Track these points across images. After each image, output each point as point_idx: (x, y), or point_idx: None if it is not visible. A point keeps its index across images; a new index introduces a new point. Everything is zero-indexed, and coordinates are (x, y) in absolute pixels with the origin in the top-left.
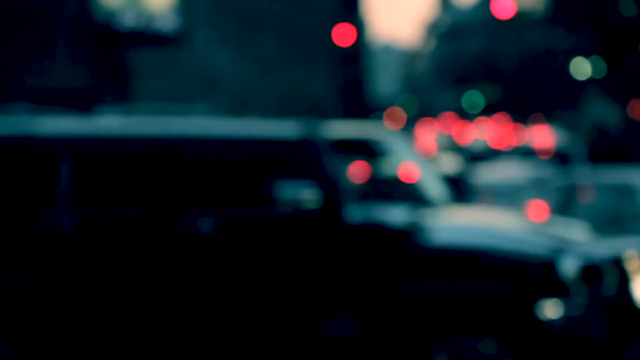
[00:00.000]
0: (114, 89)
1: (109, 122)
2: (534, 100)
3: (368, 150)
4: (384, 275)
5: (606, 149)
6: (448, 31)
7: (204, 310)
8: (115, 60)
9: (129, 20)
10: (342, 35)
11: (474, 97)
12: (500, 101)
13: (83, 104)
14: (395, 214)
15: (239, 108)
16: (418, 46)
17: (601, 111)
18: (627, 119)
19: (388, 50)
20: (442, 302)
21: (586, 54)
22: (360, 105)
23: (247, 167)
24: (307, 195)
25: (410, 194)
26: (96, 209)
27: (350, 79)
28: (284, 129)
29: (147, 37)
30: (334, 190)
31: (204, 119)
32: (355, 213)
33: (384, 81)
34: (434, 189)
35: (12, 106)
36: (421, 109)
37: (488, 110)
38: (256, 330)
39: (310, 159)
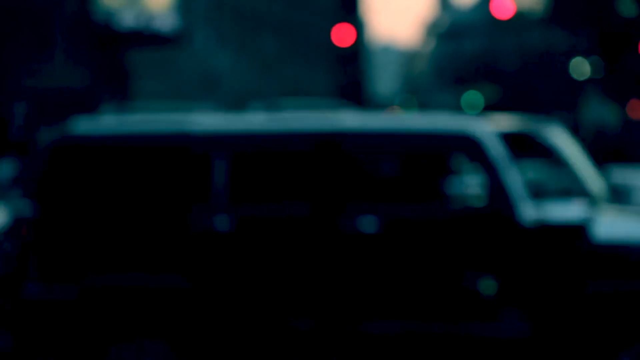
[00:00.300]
0: (114, 89)
1: (264, 118)
2: (534, 100)
3: (531, 144)
4: (563, 274)
5: (605, 149)
6: (447, 31)
7: (368, 312)
8: (115, 60)
9: (128, 20)
10: (342, 35)
11: (473, 97)
12: (500, 101)
13: (82, 104)
14: (568, 210)
15: (238, 108)
16: (417, 46)
17: (600, 111)
18: (626, 119)
19: (387, 50)
20: (631, 302)
21: (585, 54)
22: (360, 105)
23: (410, 162)
24: (475, 191)
25: (574, 189)
26: (253, 208)
27: (349, 79)
28: (449, 121)
29: (146, 37)
30: (503, 186)
31: (362, 113)
32: (525, 209)
33: (384, 81)
34: (595, 183)
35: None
36: (420, 109)
37: (487, 110)
38: (421, 333)
39: (478, 152)
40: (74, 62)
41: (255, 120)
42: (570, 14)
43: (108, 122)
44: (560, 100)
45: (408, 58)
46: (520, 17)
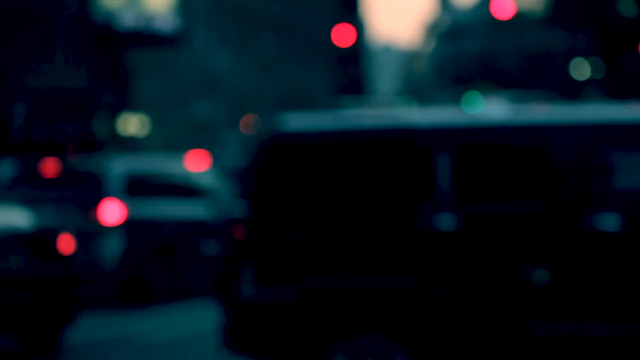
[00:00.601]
0: (114, 89)
1: (489, 112)
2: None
3: None
4: None
5: None
6: (448, 31)
7: (616, 316)
8: (115, 61)
9: (128, 20)
10: (342, 35)
11: (473, 97)
12: None
13: (83, 104)
14: None
15: (238, 108)
16: (418, 46)
17: None
18: None
19: (388, 50)
20: None
21: (585, 55)
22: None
23: None
24: None
25: None
26: (480, 206)
27: (350, 79)
28: None
29: (146, 38)
30: None
31: (612, 105)
32: None
33: (384, 81)
34: None
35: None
36: None
37: None
38: None
39: None
40: (74, 62)
41: (478, 114)
42: (570, 14)
43: (319, 118)
44: (560, 100)
45: (408, 58)
46: (520, 17)
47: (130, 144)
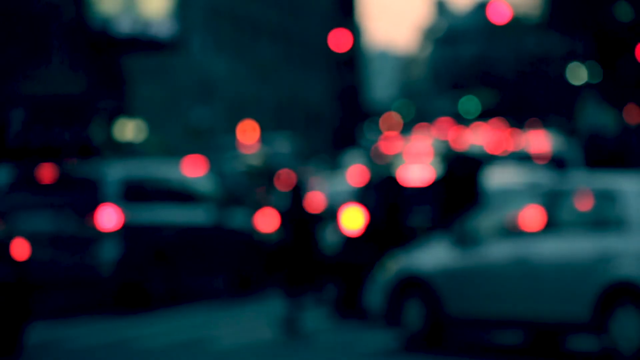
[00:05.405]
0: (111, 95)
1: None
2: (530, 105)
3: None
4: None
5: (602, 154)
6: (444, 36)
7: None
8: (112, 66)
9: (125, 26)
10: (339, 41)
11: (470, 102)
12: (497, 106)
13: (79, 110)
14: None
15: (235, 113)
16: (414, 51)
17: (597, 116)
18: (623, 124)
19: (384, 55)
20: None
21: (582, 59)
22: (357, 110)
23: None
24: None
25: None
26: None
27: (346, 84)
28: None
29: (143, 43)
30: None
31: None
32: None
33: (380, 86)
34: None
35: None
36: (417, 114)
37: (484, 115)
38: None
39: None
40: (70, 68)
41: None
42: (567, 19)
43: None
44: (557, 105)
45: (405, 63)
46: (517, 22)
47: (127, 150)
